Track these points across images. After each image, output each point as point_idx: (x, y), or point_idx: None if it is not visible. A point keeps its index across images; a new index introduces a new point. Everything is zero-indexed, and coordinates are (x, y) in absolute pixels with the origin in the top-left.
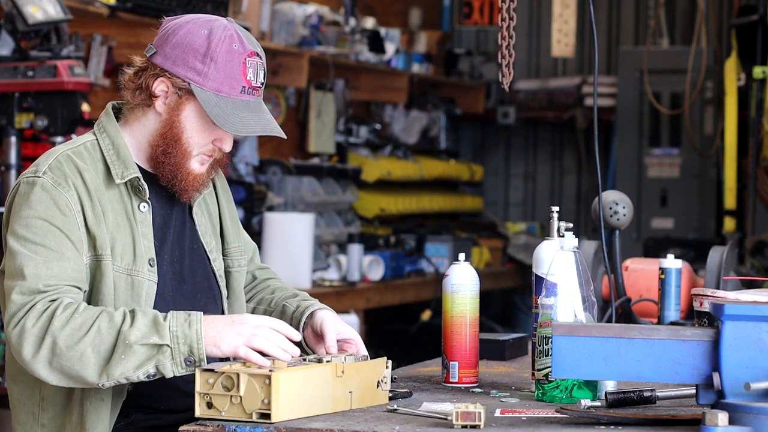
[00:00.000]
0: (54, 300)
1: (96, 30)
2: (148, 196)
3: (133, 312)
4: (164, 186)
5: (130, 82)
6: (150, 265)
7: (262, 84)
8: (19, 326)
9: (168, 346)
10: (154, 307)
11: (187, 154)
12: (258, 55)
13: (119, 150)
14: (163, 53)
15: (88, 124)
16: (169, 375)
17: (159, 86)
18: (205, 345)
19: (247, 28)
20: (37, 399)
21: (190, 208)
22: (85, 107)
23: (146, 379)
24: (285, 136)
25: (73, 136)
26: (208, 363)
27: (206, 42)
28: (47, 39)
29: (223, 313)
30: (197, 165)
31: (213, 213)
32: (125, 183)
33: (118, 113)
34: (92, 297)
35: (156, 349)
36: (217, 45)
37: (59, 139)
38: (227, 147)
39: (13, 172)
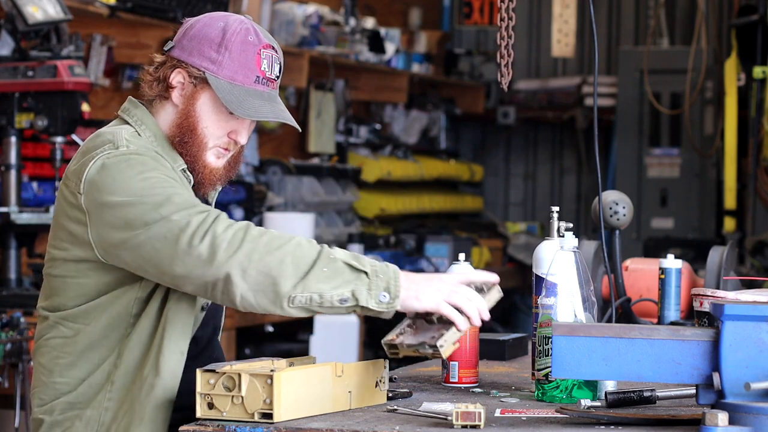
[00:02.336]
0: (227, 219)
1: (96, 30)
2: (192, 185)
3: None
4: None
5: (149, 75)
6: None
7: (278, 77)
8: (208, 235)
9: (366, 274)
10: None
11: (203, 146)
12: (273, 48)
13: (162, 142)
14: (180, 46)
15: (88, 124)
16: (362, 303)
17: (176, 77)
18: (405, 295)
19: None
20: (113, 358)
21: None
22: (85, 107)
23: (338, 304)
24: (299, 128)
25: (74, 136)
26: (402, 314)
27: (221, 32)
28: (47, 39)
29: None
30: (213, 158)
31: None
32: None
33: None
34: None
35: (355, 275)
36: (232, 35)
37: (59, 139)
38: (242, 139)
39: (13, 172)
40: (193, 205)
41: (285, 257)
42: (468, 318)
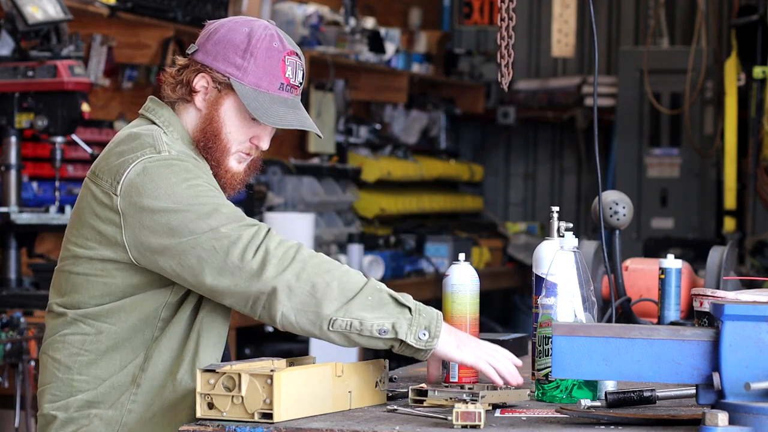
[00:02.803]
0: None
1: (96, 30)
2: None
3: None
4: None
5: (171, 78)
6: None
7: (301, 84)
8: (261, 250)
9: (410, 310)
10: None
11: (226, 151)
12: (297, 55)
13: (189, 146)
14: (204, 50)
15: (88, 124)
16: (401, 336)
17: (199, 82)
18: (446, 340)
19: None
20: (139, 361)
21: None
22: (85, 107)
23: (377, 335)
24: (322, 135)
25: (74, 136)
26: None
27: (247, 38)
28: (47, 39)
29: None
30: (235, 163)
31: None
32: None
33: None
34: None
35: (399, 309)
36: (257, 42)
37: (59, 139)
38: (264, 145)
39: (13, 172)
40: (241, 217)
41: (332, 281)
42: (504, 379)
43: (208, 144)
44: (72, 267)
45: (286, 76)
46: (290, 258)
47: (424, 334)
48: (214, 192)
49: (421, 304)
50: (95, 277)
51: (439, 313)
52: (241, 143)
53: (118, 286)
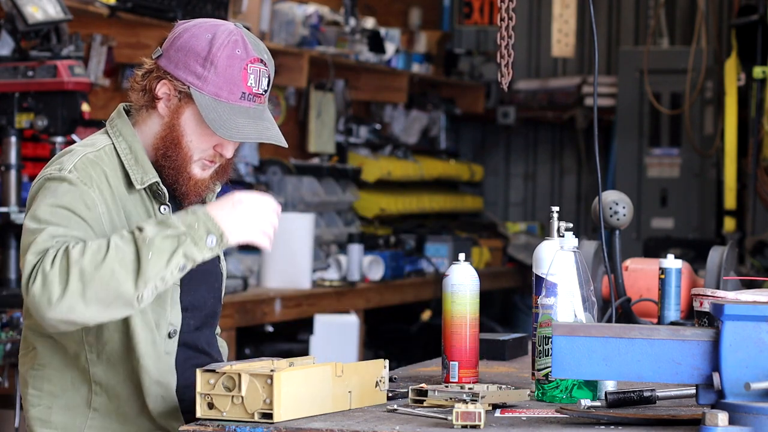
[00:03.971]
0: (62, 246)
1: (96, 30)
2: (167, 199)
3: (133, 227)
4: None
5: (136, 83)
6: None
7: (265, 91)
8: (39, 277)
9: (185, 233)
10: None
11: (187, 159)
12: (262, 62)
13: (137, 154)
14: (167, 56)
15: (88, 124)
16: (199, 260)
17: (161, 89)
18: (228, 231)
19: (247, 28)
20: (88, 385)
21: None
22: (85, 107)
23: (180, 274)
24: (285, 144)
25: (74, 136)
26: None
27: (208, 46)
28: (47, 39)
29: (217, 315)
30: (198, 170)
31: None
32: (145, 188)
33: (128, 115)
34: None
35: (176, 240)
36: (218, 49)
37: (59, 139)
38: (228, 153)
39: (13, 172)
40: (43, 243)
41: (113, 266)
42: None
43: (167, 152)
44: None
45: (249, 84)
46: (66, 268)
47: (212, 240)
48: (65, 219)
49: (187, 216)
50: None
51: (204, 211)
52: (204, 151)
53: None
